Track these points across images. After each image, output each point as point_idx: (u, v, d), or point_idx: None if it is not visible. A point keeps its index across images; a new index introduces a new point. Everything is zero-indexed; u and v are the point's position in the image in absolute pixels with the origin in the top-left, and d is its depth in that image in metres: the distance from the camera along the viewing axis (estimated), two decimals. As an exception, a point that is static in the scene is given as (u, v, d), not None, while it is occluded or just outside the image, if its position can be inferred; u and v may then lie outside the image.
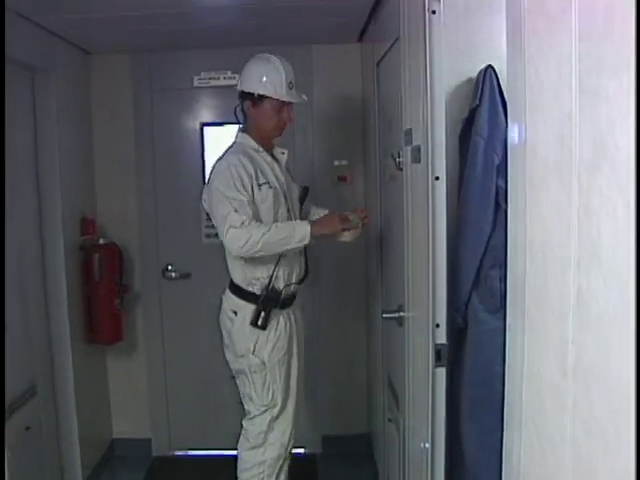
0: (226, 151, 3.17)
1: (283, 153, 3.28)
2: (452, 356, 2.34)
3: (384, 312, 3.19)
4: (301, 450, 4.38)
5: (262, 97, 3.08)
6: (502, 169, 2.07)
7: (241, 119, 3.22)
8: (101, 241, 4.08)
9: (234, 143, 3.21)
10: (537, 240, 1.26)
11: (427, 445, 2.35)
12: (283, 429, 3.19)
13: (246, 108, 3.16)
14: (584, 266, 1.05)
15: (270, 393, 3.12)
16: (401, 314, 2.88)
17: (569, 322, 1.11)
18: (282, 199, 3.11)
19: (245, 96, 3.13)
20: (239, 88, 3.17)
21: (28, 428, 3.39)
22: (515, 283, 1.39)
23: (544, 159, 1.21)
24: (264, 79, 3.07)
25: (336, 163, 4.28)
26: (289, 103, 3.14)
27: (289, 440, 3.22)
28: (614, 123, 0.94)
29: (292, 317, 3.22)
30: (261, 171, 3.06)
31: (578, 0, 1.05)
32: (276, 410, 3.15)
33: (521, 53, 1.30)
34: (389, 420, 3.46)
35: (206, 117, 4.37)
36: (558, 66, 1.14)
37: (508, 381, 1.45)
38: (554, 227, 1.17)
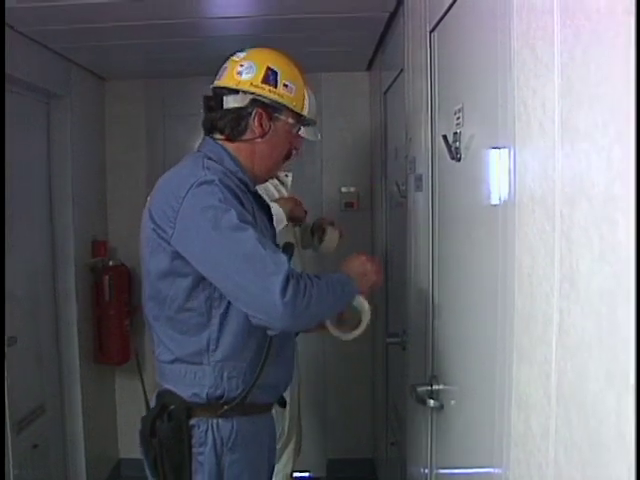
0: None
1: (287, 176, 3.15)
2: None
3: (388, 336, 3.23)
4: (306, 474, 4.39)
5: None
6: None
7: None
8: (111, 262, 4.14)
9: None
10: (524, 265, 1.30)
11: (426, 470, 2.37)
12: (285, 461, 3.18)
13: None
14: (565, 294, 1.09)
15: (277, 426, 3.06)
16: (404, 339, 2.92)
17: (552, 347, 1.15)
18: None
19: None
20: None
21: (36, 446, 3.43)
22: (504, 306, 1.43)
23: (531, 189, 1.26)
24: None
25: (344, 190, 4.33)
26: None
27: (292, 470, 3.22)
28: (590, 160, 0.99)
29: None
30: None
31: (560, 41, 1.10)
32: (281, 442, 3.10)
33: (511, 82, 1.35)
34: (392, 444, 3.48)
35: (217, 143, 4.43)
36: (543, 100, 1.19)
37: (497, 403, 1.48)
38: (540, 254, 1.21)
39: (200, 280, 1.84)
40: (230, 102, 1.98)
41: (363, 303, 2.05)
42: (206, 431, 1.92)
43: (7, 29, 2.96)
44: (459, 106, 1.85)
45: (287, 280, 1.68)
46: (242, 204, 1.80)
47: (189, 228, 1.79)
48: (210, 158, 1.93)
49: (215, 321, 1.88)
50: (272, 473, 2.21)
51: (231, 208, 1.74)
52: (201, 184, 1.78)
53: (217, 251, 1.76)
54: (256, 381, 1.94)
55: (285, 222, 2.87)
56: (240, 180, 1.92)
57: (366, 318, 2.10)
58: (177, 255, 1.83)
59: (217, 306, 1.87)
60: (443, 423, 2.15)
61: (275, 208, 2.73)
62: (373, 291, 2.09)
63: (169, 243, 1.83)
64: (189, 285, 1.86)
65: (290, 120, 2.03)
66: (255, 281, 1.70)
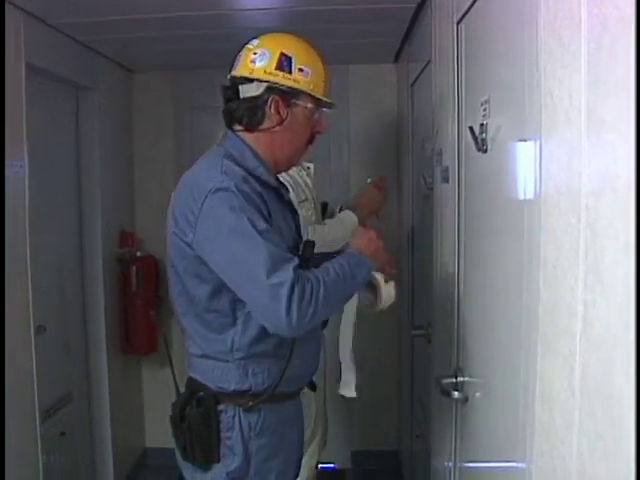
0: None
1: (309, 168, 3.09)
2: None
3: (413, 329, 3.22)
4: (331, 465, 4.40)
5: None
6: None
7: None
8: (138, 253, 4.17)
9: None
10: (549, 257, 1.29)
11: (450, 463, 2.37)
12: (311, 453, 3.17)
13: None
14: (590, 286, 1.08)
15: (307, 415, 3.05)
16: (429, 331, 2.92)
17: (577, 339, 1.14)
18: None
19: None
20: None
21: (63, 434, 3.47)
22: (529, 298, 1.42)
23: (556, 180, 1.25)
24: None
25: (369, 181, 4.32)
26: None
27: (317, 462, 3.23)
28: (616, 151, 0.98)
29: None
30: None
31: (587, 30, 1.09)
32: (307, 435, 3.10)
33: (537, 72, 1.34)
34: (417, 436, 3.48)
35: (244, 135, 4.45)
36: (569, 90, 1.18)
37: (521, 395, 1.48)
38: (564, 246, 1.20)
39: (223, 285, 1.85)
40: (246, 91, 1.95)
41: (380, 280, 2.06)
42: (233, 416, 1.94)
43: (37, 22, 2.99)
44: (485, 97, 1.84)
45: (291, 293, 1.70)
46: (259, 209, 1.80)
47: (206, 236, 1.82)
48: (231, 155, 1.92)
49: (240, 321, 1.91)
50: (301, 458, 2.23)
51: (244, 217, 1.75)
52: (217, 191, 1.79)
53: (226, 261, 1.82)
54: (283, 375, 1.95)
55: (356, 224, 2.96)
56: (260, 178, 1.90)
57: (386, 295, 2.09)
58: (200, 260, 1.85)
59: (241, 307, 1.89)
60: (468, 415, 2.15)
61: (348, 215, 3.04)
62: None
63: (191, 247, 1.85)
64: (213, 289, 1.89)
65: (309, 105, 1.98)
66: (261, 294, 1.75)
